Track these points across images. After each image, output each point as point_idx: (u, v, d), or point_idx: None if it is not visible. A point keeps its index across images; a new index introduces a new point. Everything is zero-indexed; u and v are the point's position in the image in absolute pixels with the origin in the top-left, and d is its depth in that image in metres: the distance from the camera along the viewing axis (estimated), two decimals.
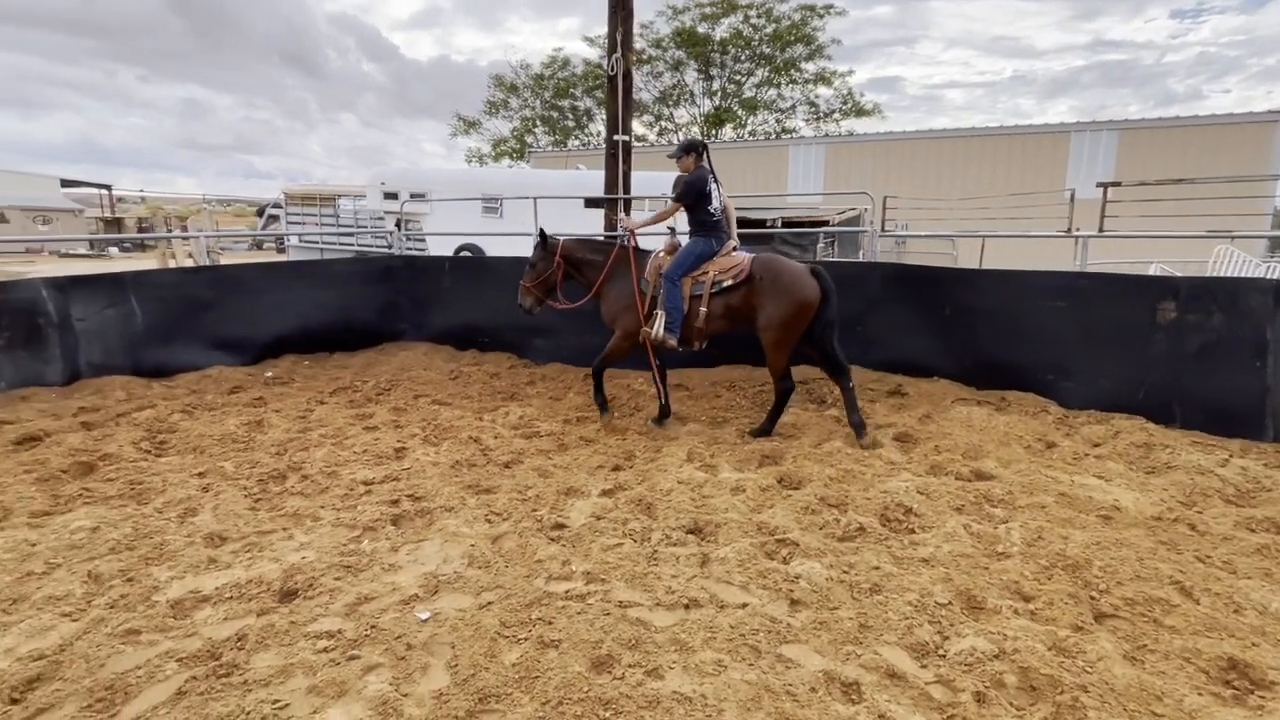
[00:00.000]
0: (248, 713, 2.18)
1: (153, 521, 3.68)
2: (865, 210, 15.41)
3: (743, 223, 14.68)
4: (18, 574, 3.13)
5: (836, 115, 32.76)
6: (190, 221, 33.19)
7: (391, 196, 14.38)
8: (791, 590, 2.90)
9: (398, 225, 12.43)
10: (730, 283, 4.89)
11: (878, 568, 3.08)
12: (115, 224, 35.64)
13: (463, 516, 3.68)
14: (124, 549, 3.35)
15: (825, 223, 14.75)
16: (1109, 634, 2.64)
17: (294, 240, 18.43)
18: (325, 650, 2.51)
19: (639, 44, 32.08)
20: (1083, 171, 18.94)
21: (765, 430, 5.05)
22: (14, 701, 2.28)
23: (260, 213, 35.15)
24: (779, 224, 14.12)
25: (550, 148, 33.48)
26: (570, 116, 36.09)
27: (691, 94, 34.55)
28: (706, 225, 5.01)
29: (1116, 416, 5.14)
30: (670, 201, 5.19)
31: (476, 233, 13.22)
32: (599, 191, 8.21)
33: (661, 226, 5.38)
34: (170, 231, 28.32)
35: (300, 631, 2.63)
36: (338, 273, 8.05)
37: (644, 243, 5.49)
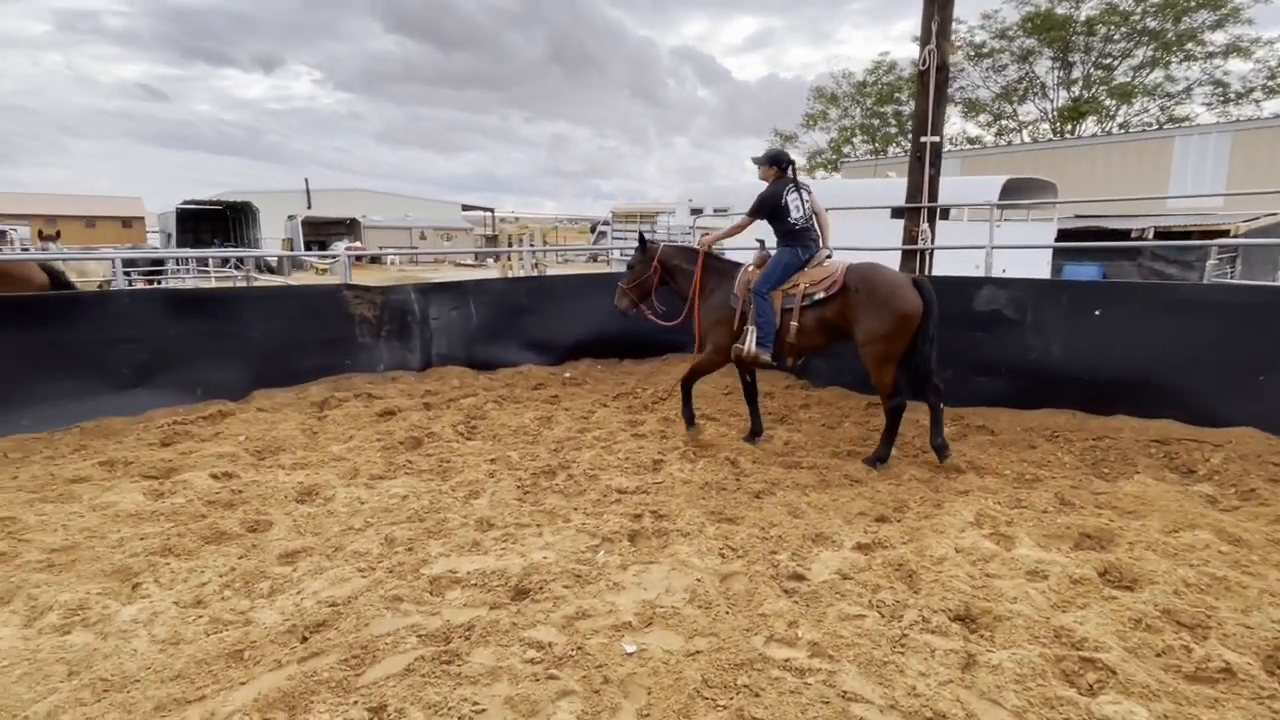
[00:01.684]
0: (450, 708, 2.27)
1: (444, 499, 4.23)
2: None
3: (1095, 233, 12.07)
4: (344, 526, 3.83)
5: (1256, 95, 25.33)
6: (514, 236, 39.44)
7: (697, 212, 15.04)
8: None
9: None
10: (822, 295, 4.74)
11: None
12: (493, 240, 43.82)
13: (697, 545, 3.50)
14: (416, 520, 3.88)
15: (1224, 233, 11.35)
16: None
17: (616, 254, 20.49)
18: (532, 661, 2.53)
19: (978, 36, 28.89)
20: None
21: (882, 456, 4.74)
22: (303, 640, 2.72)
23: (593, 229, 40.08)
24: (1149, 234, 11.28)
25: (866, 156, 31.92)
26: (893, 122, 34.01)
27: (1042, 86, 29.92)
28: (789, 235, 4.94)
29: None
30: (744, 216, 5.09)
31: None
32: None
33: (749, 239, 5.23)
34: (511, 246, 33.83)
35: (518, 635, 2.70)
36: None
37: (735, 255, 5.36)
